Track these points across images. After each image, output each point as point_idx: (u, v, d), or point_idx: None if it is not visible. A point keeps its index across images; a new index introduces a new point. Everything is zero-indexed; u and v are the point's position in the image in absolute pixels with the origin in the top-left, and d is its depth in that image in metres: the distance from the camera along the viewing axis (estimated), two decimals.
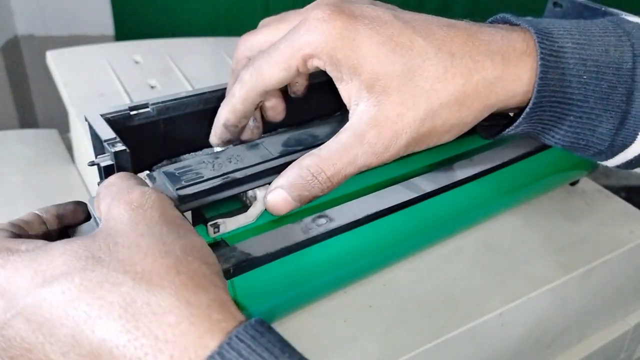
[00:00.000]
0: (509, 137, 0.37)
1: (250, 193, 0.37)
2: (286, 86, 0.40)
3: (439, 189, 0.43)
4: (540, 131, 0.34)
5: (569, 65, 0.32)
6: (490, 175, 0.46)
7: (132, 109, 0.39)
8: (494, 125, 0.36)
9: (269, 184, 0.36)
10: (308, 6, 0.33)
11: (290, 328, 0.41)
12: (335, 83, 0.33)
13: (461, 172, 0.45)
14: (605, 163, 0.36)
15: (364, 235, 0.40)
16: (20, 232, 0.30)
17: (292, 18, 0.35)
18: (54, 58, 0.68)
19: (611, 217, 0.55)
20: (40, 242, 0.27)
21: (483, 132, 0.37)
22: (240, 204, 0.38)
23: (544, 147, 0.49)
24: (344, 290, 0.44)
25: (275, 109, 0.40)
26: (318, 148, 0.33)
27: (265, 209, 0.34)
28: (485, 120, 0.34)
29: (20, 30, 1.24)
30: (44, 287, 0.24)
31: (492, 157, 0.47)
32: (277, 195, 0.33)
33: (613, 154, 0.34)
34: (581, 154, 0.35)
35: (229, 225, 0.36)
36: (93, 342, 0.23)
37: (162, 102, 0.40)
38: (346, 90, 0.32)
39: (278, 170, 0.37)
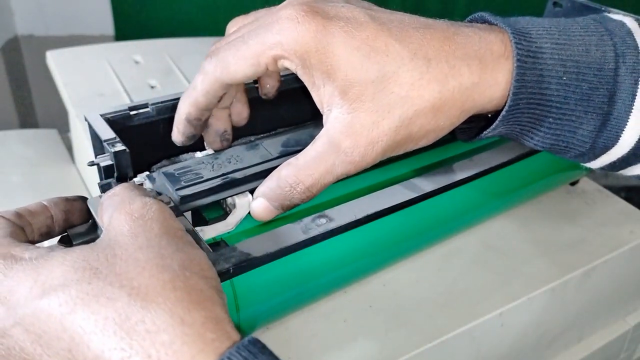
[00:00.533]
0: (489, 139, 0.37)
1: (229, 200, 0.37)
2: (256, 89, 0.40)
3: (439, 189, 0.43)
4: (518, 133, 0.33)
5: (547, 66, 0.31)
6: (490, 175, 0.46)
7: (132, 109, 0.39)
8: (472, 128, 0.35)
9: (250, 190, 0.36)
10: (280, 5, 0.32)
11: (290, 328, 0.41)
12: (307, 86, 0.32)
13: (461, 172, 0.45)
14: (588, 165, 0.35)
15: (364, 235, 0.40)
16: (24, 223, 0.30)
17: (262, 19, 0.33)
18: (54, 58, 0.68)
19: (611, 217, 0.55)
20: (44, 250, 0.27)
21: (461, 135, 0.36)
22: (222, 211, 0.38)
23: None
24: (344, 290, 0.44)
25: (240, 115, 0.39)
26: (295, 157, 0.32)
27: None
28: (463, 122, 0.33)
29: (20, 30, 1.24)
30: (42, 298, 0.24)
31: (492, 157, 0.47)
32: (259, 203, 0.34)
33: (595, 155, 0.34)
34: (562, 156, 0.35)
35: (207, 233, 0.36)
36: (88, 357, 0.23)
37: (162, 102, 0.40)
38: (319, 96, 0.32)
39: None
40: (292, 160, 0.32)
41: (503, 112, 0.32)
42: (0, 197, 0.57)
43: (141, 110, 0.40)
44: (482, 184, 0.46)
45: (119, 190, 0.30)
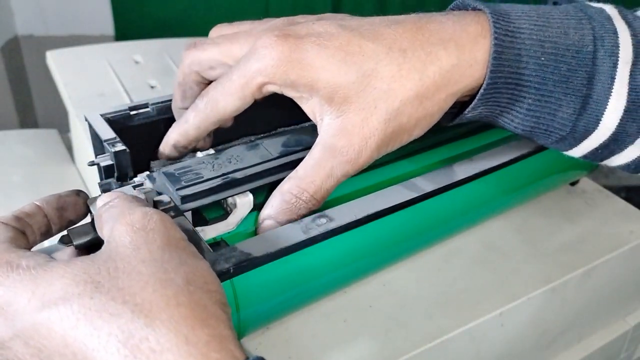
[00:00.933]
0: (469, 122, 0.36)
1: (230, 200, 0.37)
2: None
3: (439, 189, 0.43)
4: (498, 114, 0.33)
5: (525, 46, 0.31)
6: (490, 175, 0.46)
7: (132, 109, 0.39)
8: (454, 111, 0.35)
9: (250, 190, 0.36)
10: (258, 32, 0.34)
11: (290, 328, 0.41)
12: (297, 103, 0.33)
13: (461, 172, 0.45)
14: (570, 152, 0.35)
15: (364, 235, 0.40)
16: (24, 226, 0.30)
17: (242, 40, 0.34)
18: (54, 58, 0.68)
19: (611, 217, 0.55)
20: (41, 259, 0.26)
21: (442, 119, 0.36)
22: (222, 211, 0.38)
23: (544, 147, 0.49)
24: (344, 290, 0.44)
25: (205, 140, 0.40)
26: (294, 170, 0.33)
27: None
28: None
29: (20, 30, 1.24)
30: (42, 311, 0.24)
31: (492, 157, 0.47)
32: (268, 226, 0.34)
33: (576, 140, 0.33)
34: (543, 142, 0.35)
35: (207, 233, 0.36)
36: None
37: (162, 102, 0.40)
38: (309, 108, 0.33)
39: (278, 170, 0.37)
40: (292, 173, 0.33)
41: (481, 91, 0.32)
42: (0, 197, 0.57)
43: (141, 110, 0.40)
44: (482, 184, 0.46)
45: (117, 202, 0.30)
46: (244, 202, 0.36)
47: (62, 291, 0.24)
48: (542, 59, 0.31)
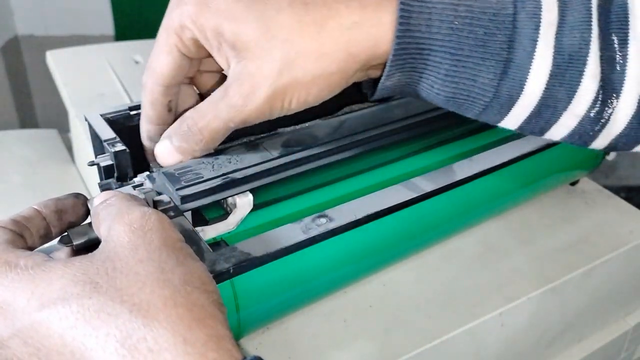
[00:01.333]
0: (391, 96, 0.35)
1: (230, 200, 0.37)
2: None
3: (439, 189, 0.43)
4: (417, 81, 0.32)
5: (436, 9, 0.30)
6: (490, 175, 0.46)
7: (132, 109, 0.39)
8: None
9: (250, 190, 0.36)
10: None
11: (290, 328, 0.41)
12: (211, 53, 0.33)
13: (461, 172, 0.45)
14: (503, 124, 0.33)
15: (364, 235, 0.40)
16: (22, 229, 0.30)
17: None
18: (54, 58, 0.68)
19: (611, 217, 0.55)
20: (39, 258, 0.26)
21: (366, 90, 0.36)
22: (222, 211, 0.38)
23: (544, 147, 0.49)
24: (344, 290, 0.44)
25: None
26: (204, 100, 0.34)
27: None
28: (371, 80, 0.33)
29: (20, 30, 1.24)
30: (41, 311, 0.24)
31: (492, 157, 0.47)
32: (162, 145, 0.35)
33: (503, 108, 0.32)
34: (470, 113, 0.33)
35: (207, 233, 0.36)
36: None
37: None
38: (220, 56, 0.33)
39: (278, 170, 0.37)
40: (197, 104, 0.34)
41: (390, 55, 0.31)
42: (0, 197, 0.57)
43: (141, 110, 0.40)
44: (481, 184, 0.46)
45: (115, 200, 0.30)
46: (244, 202, 0.36)
47: (61, 291, 0.24)
48: (456, 22, 0.30)
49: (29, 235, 0.30)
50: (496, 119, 0.34)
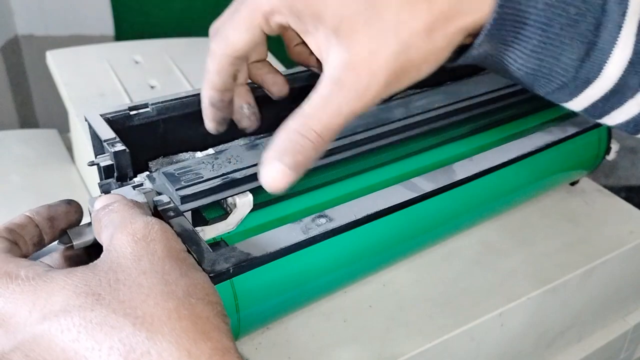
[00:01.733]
0: (474, 64, 0.35)
1: (230, 200, 0.37)
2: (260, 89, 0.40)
3: (439, 189, 0.43)
4: (502, 52, 0.32)
5: None
6: (490, 175, 0.46)
7: (132, 109, 0.39)
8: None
9: (250, 190, 0.36)
10: None
11: (290, 328, 0.41)
12: (302, 37, 0.32)
13: (461, 172, 0.45)
14: (570, 104, 0.34)
15: (364, 235, 0.40)
16: (16, 237, 0.30)
17: None
18: (54, 58, 0.68)
19: (611, 217, 0.55)
20: (40, 268, 0.26)
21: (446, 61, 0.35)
22: (222, 211, 0.38)
23: (544, 147, 0.49)
24: (344, 290, 0.44)
25: (277, 84, 0.39)
26: (299, 108, 0.31)
27: (264, 188, 0.31)
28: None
29: (20, 30, 1.24)
30: (42, 323, 0.24)
31: (492, 157, 0.47)
32: (271, 168, 0.31)
33: (577, 89, 0.33)
34: (544, 90, 0.33)
35: (207, 233, 0.36)
36: None
37: (162, 102, 0.40)
38: (314, 42, 0.31)
39: None
40: (297, 111, 0.31)
41: (488, 25, 0.30)
42: (0, 197, 0.57)
43: (141, 110, 0.40)
44: (481, 184, 0.46)
45: (118, 207, 0.29)
46: (244, 202, 0.36)
47: (63, 303, 0.24)
48: None
49: (22, 243, 0.30)
50: (565, 99, 0.33)
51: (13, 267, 0.26)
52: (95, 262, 0.26)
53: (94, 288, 0.24)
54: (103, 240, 0.28)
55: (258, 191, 0.38)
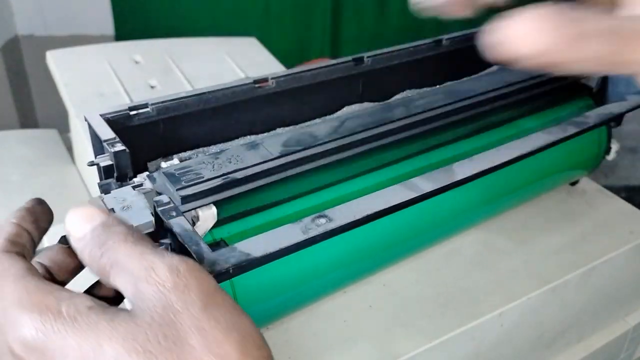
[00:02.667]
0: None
1: (193, 213, 0.36)
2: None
3: (439, 189, 0.43)
4: None
5: None
6: (490, 175, 0.46)
7: (132, 109, 0.39)
8: None
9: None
10: None
11: (291, 328, 0.41)
12: None
13: (461, 172, 0.45)
14: None
15: (364, 235, 0.40)
16: (22, 250, 0.29)
17: None
18: (54, 58, 0.68)
19: (611, 217, 0.55)
20: (81, 304, 0.25)
21: None
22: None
23: (544, 147, 0.49)
24: (344, 290, 0.44)
25: None
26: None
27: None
28: None
29: (20, 30, 1.24)
30: None
31: (492, 157, 0.47)
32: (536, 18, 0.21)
33: None
34: None
35: None
36: None
37: (162, 102, 0.40)
38: None
39: (278, 170, 0.37)
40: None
41: None
42: (0, 197, 0.57)
43: (141, 110, 0.40)
44: (482, 184, 0.46)
45: (116, 245, 0.26)
46: (207, 215, 0.36)
47: (113, 358, 0.23)
48: None
49: (27, 254, 0.29)
50: None
51: (52, 300, 0.25)
52: (133, 311, 0.24)
53: (143, 344, 0.23)
54: (119, 287, 0.26)
55: (258, 191, 0.38)
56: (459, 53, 0.55)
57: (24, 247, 0.29)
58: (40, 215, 0.31)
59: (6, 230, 0.29)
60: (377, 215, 0.39)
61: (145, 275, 0.24)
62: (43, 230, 0.31)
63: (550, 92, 0.53)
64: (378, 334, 0.42)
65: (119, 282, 0.25)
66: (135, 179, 0.37)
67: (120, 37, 1.27)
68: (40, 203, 0.32)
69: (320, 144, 0.39)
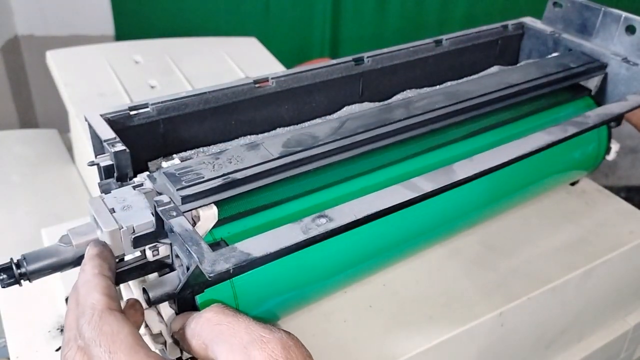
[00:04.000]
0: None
1: (193, 212, 0.36)
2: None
3: (439, 189, 0.43)
4: None
5: None
6: (490, 175, 0.46)
7: (132, 109, 0.39)
8: None
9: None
10: None
11: (291, 328, 0.41)
12: None
13: (461, 172, 0.45)
14: None
15: (364, 235, 0.40)
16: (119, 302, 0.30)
17: None
18: (54, 58, 0.68)
19: (611, 217, 0.55)
20: None
21: None
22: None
23: (544, 147, 0.49)
24: (344, 290, 0.44)
25: None
26: None
27: None
28: None
29: (20, 30, 1.24)
30: None
31: (492, 157, 0.47)
32: None
33: None
34: None
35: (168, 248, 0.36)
36: None
37: (162, 102, 0.40)
38: None
39: (278, 170, 0.37)
40: None
41: None
42: (0, 197, 0.57)
43: (141, 110, 0.40)
44: (482, 184, 0.46)
45: (221, 320, 0.28)
46: (207, 214, 0.36)
47: None
48: None
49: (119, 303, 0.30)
50: None
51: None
52: None
53: None
54: (217, 355, 0.27)
55: (259, 192, 0.38)
56: (459, 53, 0.55)
57: (117, 298, 0.30)
58: (108, 257, 0.32)
59: (98, 284, 0.30)
60: (377, 215, 0.39)
61: (258, 345, 0.27)
62: (115, 270, 0.32)
63: (550, 92, 0.53)
64: (378, 334, 0.42)
65: (218, 350, 0.27)
66: (135, 179, 0.37)
67: (120, 37, 1.27)
68: (102, 244, 0.32)
69: (321, 145, 0.39)
